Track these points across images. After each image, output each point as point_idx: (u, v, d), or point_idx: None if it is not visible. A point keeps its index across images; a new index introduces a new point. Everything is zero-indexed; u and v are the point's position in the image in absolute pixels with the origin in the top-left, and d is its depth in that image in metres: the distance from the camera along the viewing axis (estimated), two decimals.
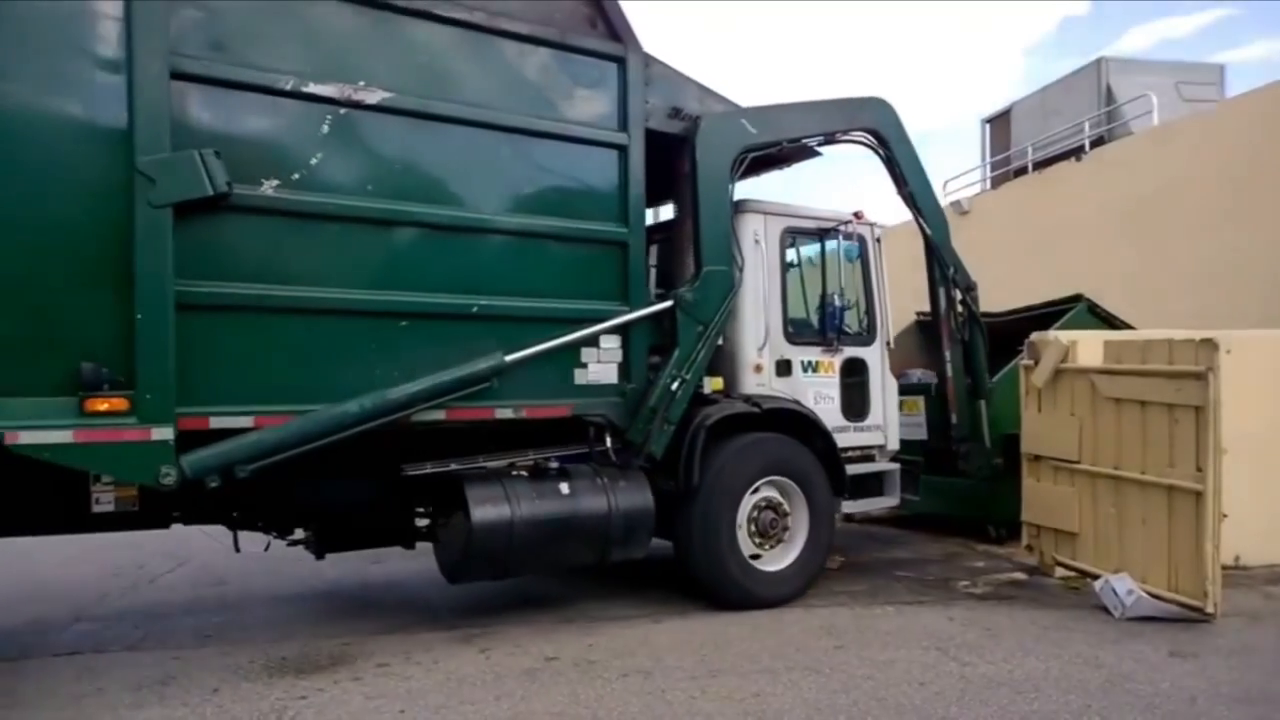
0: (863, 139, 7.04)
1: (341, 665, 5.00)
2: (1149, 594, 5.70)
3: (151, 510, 5.03)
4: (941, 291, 7.39)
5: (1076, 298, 8.85)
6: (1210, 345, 5.45)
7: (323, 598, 6.72)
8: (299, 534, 5.94)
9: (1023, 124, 18.34)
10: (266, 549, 6.16)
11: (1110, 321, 8.89)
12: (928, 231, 7.32)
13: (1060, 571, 6.65)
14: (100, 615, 6.25)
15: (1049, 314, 8.70)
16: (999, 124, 19.42)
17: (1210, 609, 5.45)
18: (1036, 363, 6.72)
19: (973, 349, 7.47)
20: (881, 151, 7.08)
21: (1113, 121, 15.90)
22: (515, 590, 6.65)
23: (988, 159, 19.57)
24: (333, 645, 5.37)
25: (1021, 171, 17.40)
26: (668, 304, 6.01)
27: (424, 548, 6.10)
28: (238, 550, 5.91)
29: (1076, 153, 15.64)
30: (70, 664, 5.11)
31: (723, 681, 4.66)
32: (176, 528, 5.60)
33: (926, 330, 8.46)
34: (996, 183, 18.61)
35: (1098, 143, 15.67)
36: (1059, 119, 17.04)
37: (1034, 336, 6.90)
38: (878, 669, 4.82)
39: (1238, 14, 53.59)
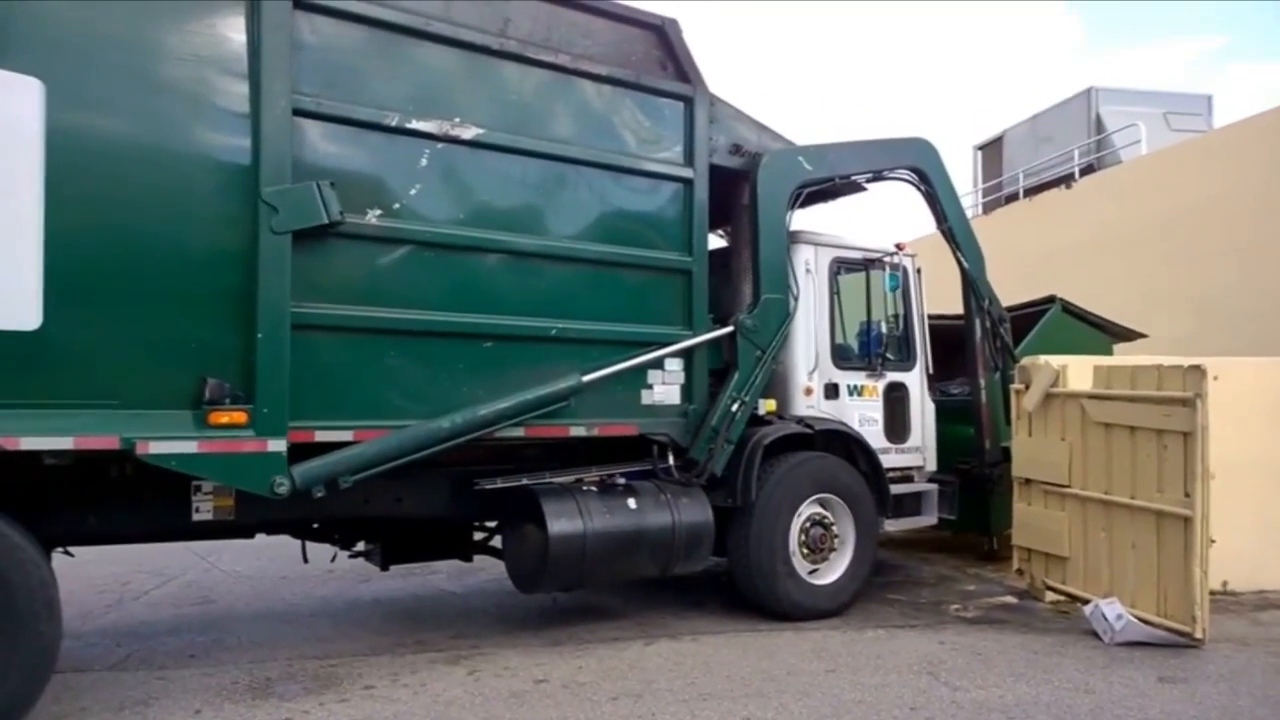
0: (907, 176, 7.42)
1: (327, 687, 4.94)
2: (1139, 619, 5.70)
3: (244, 520, 5.19)
4: (977, 321, 7.67)
5: (1050, 299, 9.01)
6: (1198, 372, 5.50)
7: (309, 617, 6.66)
8: (360, 546, 6.18)
9: (1014, 151, 18.57)
10: (333, 560, 6.36)
11: (1085, 319, 9.07)
12: (965, 265, 7.64)
13: (1051, 596, 6.64)
14: (83, 633, 6.18)
15: (1025, 315, 8.81)
16: (990, 150, 19.66)
17: (1199, 634, 5.45)
18: (1027, 387, 6.75)
19: (1006, 377, 7.67)
20: (923, 188, 7.45)
21: (1102, 150, 16.10)
22: (505, 612, 6.62)
23: (979, 185, 19.77)
24: (318, 666, 5.32)
25: (1013, 198, 17.58)
26: (729, 329, 6.30)
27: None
28: (305, 561, 6.11)
29: (1067, 180, 15.83)
30: (50, 683, 5.01)
31: (713, 705, 4.63)
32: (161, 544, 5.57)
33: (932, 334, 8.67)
34: (988, 208, 18.80)
35: (1087, 170, 15.86)
36: (1049, 146, 17.26)
37: (1025, 361, 6.96)
38: (868, 693, 4.80)
39: (1225, 43, 54.46)
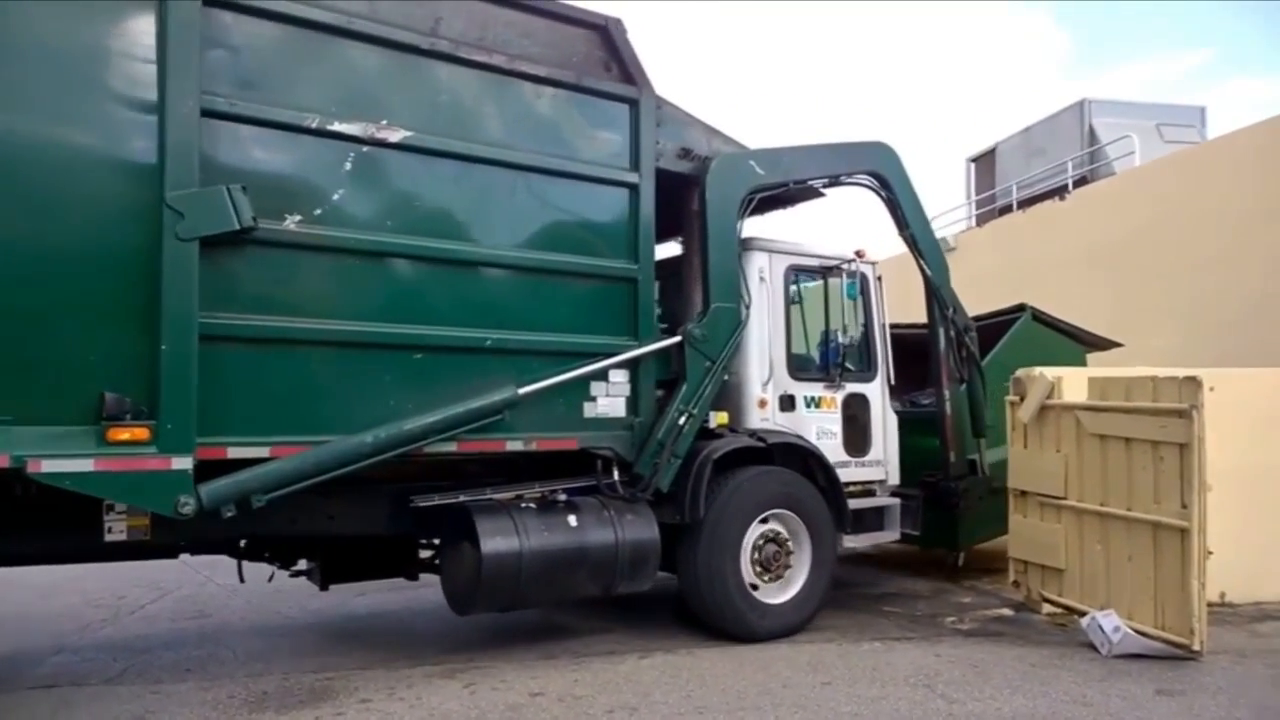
0: (866, 182, 7.21)
1: (323, 700, 4.92)
2: (1136, 631, 5.70)
3: (163, 540, 5.00)
4: (940, 331, 7.51)
5: (1020, 307, 8.76)
6: (1194, 383, 5.51)
7: (305, 630, 6.64)
8: (303, 565, 5.98)
9: (1007, 163, 18.65)
10: (270, 579, 6.17)
11: (1056, 328, 8.88)
12: (928, 272, 7.47)
13: (1047, 608, 6.64)
14: (79, 647, 6.15)
15: (995, 324, 8.62)
16: (984, 163, 19.74)
17: (1197, 646, 5.45)
18: (1022, 399, 6.77)
19: (972, 388, 7.60)
20: (884, 194, 7.27)
21: (1095, 162, 16.18)
22: (501, 625, 6.59)
23: (973, 197, 19.85)
24: (314, 679, 5.30)
25: (1006, 210, 17.65)
26: (676, 339, 6.09)
27: (415, 579, 6.05)
28: (242, 581, 5.94)
29: (1060, 192, 15.90)
30: (47, 697, 5.02)
31: (709, 718, 4.62)
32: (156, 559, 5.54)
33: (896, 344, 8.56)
34: (982, 220, 18.87)
35: (1081, 182, 15.93)
36: (1043, 159, 17.34)
37: (1020, 373, 6.95)
38: (864, 705, 4.80)
39: (1217, 55, 54.82)
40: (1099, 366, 8.49)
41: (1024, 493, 6.78)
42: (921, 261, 7.45)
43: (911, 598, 7.63)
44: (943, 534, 7.89)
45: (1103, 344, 9.37)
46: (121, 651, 6.02)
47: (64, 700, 4.96)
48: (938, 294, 7.49)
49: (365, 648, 6.09)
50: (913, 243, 7.38)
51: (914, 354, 7.84)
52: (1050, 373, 6.70)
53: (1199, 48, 56.74)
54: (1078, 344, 9.14)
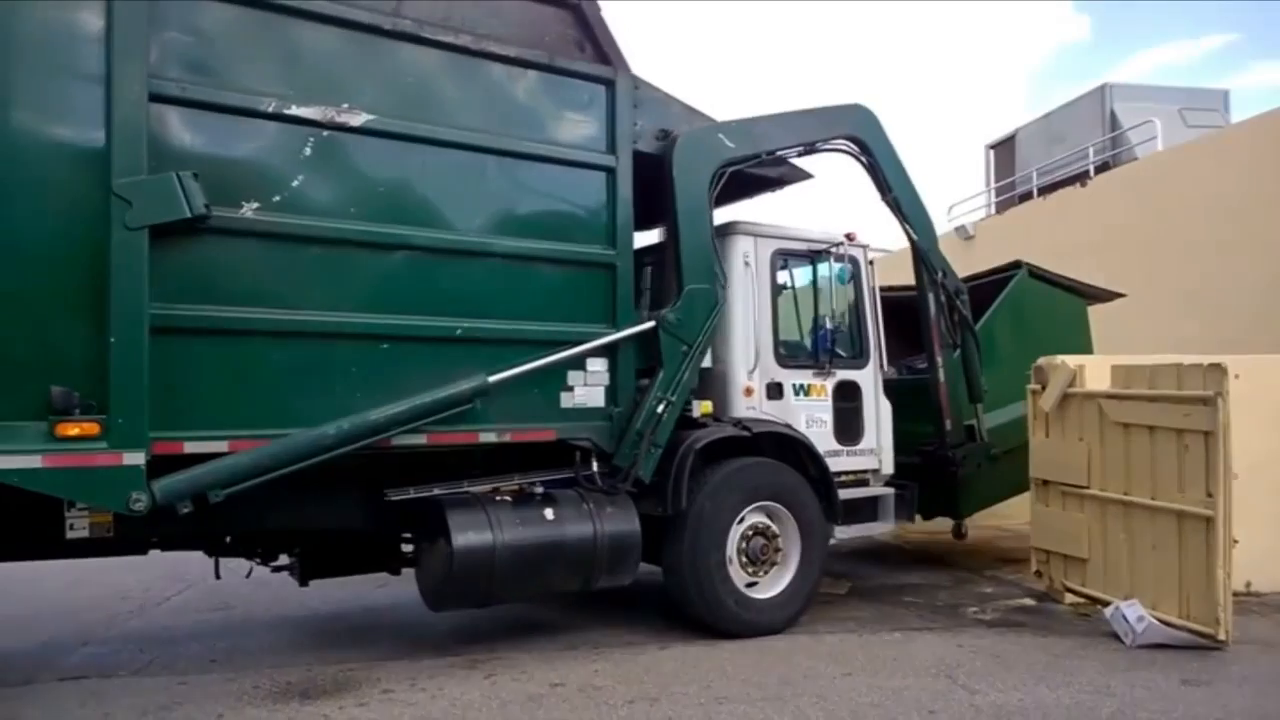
0: (845, 147, 6.92)
1: (346, 690, 4.97)
2: (1160, 621, 5.65)
3: (128, 536, 4.92)
4: (930, 296, 7.25)
5: (1016, 265, 8.46)
6: (1219, 370, 5.45)
7: (327, 622, 6.71)
8: (283, 560, 5.91)
9: (1027, 149, 18.43)
10: (249, 575, 6.16)
11: (1056, 283, 8.60)
12: (914, 237, 7.20)
13: (1070, 598, 6.60)
14: (107, 639, 6.25)
15: (990, 283, 8.41)
16: (1003, 149, 19.52)
17: (1222, 636, 5.39)
18: (1044, 387, 6.71)
19: (966, 353, 7.37)
20: (864, 159, 6.96)
21: (1117, 147, 15.97)
22: (520, 616, 6.63)
23: (992, 184, 19.65)
24: (337, 670, 5.35)
25: (1026, 197, 17.46)
26: (650, 324, 5.90)
27: (398, 574, 6.08)
28: (218, 577, 5.89)
29: (1081, 178, 15.69)
30: (77, 689, 5.10)
31: (729, 709, 4.62)
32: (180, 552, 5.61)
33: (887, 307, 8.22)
34: (1001, 208, 18.67)
35: (1102, 168, 15.72)
36: (1063, 145, 17.12)
37: (1041, 361, 6.88)
38: (886, 696, 4.78)
39: (1239, 40, 53.94)
40: (1122, 355, 8.40)
41: (1046, 482, 6.72)
42: (907, 226, 7.15)
43: (932, 588, 7.60)
44: (944, 504, 7.74)
45: (1104, 295, 9.09)
46: (148, 643, 6.11)
47: (93, 691, 5.03)
48: (925, 259, 7.22)
49: (387, 639, 6.14)
50: (896, 206, 7.08)
51: (906, 319, 7.61)
52: (1072, 361, 6.63)
53: (1219, 33, 55.89)
54: (1079, 297, 8.85)
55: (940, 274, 7.28)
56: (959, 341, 7.38)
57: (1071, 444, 6.45)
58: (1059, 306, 8.48)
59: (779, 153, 6.65)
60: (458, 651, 5.74)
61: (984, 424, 7.54)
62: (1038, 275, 8.52)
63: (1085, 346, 8.52)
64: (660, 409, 5.81)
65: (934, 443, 7.44)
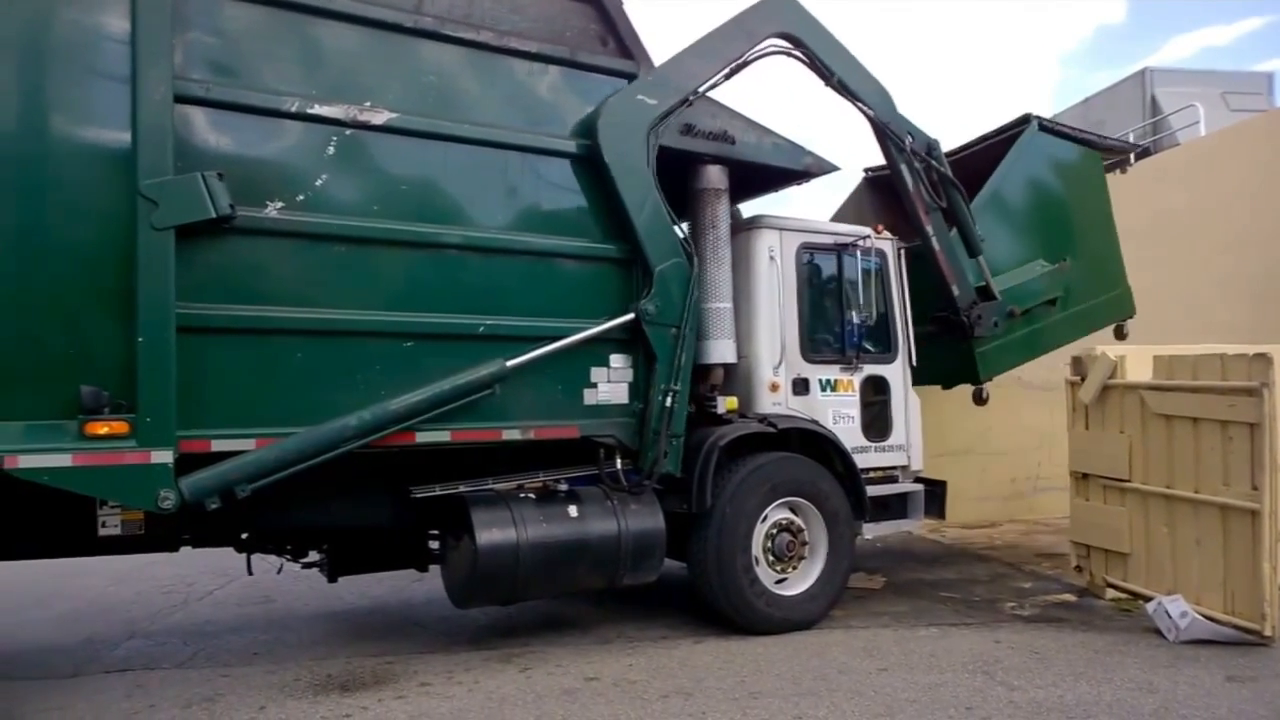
0: (778, 47, 6.37)
1: (385, 684, 5.05)
2: (1204, 616, 5.54)
3: (159, 533, 4.98)
4: (903, 167, 6.80)
5: (1025, 119, 7.89)
6: (1264, 360, 5.32)
7: (365, 616, 6.80)
8: (313, 556, 5.98)
9: None
10: (279, 571, 6.26)
11: (1070, 137, 8.17)
12: (869, 111, 6.68)
13: (1111, 593, 6.49)
14: (152, 632, 6.39)
15: (997, 143, 7.92)
16: None
17: (1268, 632, 5.28)
18: (1083, 379, 6.60)
19: (955, 209, 7.00)
20: (799, 52, 6.43)
21: (1159, 132, 15.64)
22: (553, 611, 6.67)
23: None
24: (376, 663, 5.43)
25: None
26: (629, 317, 5.67)
27: (425, 571, 6.13)
28: (250, 573, 5.97)
29: (1121, 164, 15.38)
30: (122, 680, 5.23)
31: (764, 703, 4.62)
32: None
33: (877, 187, 7.82)
34: None
35: (1144, 154, 15.39)
36: (1103, 130, 16.78)
37: (1081, 353, 6.76)
38: (922, 692, 4.74)
39: (1278, 21, 52.40)
40: (1163, 344, 8.22)
41: (1085, 475, 6.61)
42: (859, 103, 6.65)
43: (969, 583, 7.51)
44: (964, 370, 7.50)
45: (1119, 147, 8.65)
46: (192, 636, 6.24)
47: (138, 683, 5.16)
48: (886, 129, 6.71)
49: (423, 633, 6.21)
50: (843, 88, 6.55)
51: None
52: (1113, 352, 6.51)
53: (1257, 15, 54.32)
54: (1094, 150, 8.43)
55: (907, 138, 6.79)
56: (946, 197, 6.94)
57: (1112, 436, 6.34)
58: (1076, 162, 8.13)
59: (712, 83, 6.07)
60: (493, 645, 5.79)
61: (991, 278, 7.15)
62: (1048, 128, 8.02)
63: (1103, 203, 8.29)
64: (668, 401, 5.71)
65: (946, 310, 7.15)
